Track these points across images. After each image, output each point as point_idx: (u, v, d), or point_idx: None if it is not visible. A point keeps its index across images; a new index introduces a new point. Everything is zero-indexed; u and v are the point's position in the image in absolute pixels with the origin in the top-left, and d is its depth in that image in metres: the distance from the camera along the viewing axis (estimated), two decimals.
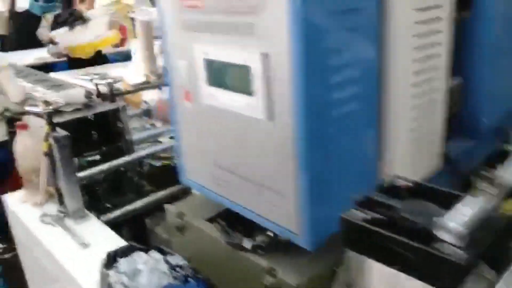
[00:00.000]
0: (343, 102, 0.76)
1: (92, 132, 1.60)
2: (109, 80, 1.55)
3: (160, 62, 3.33)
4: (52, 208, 1.38)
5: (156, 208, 1.57)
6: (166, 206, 1.02)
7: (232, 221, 0.91)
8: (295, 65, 0.69)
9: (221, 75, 0.83)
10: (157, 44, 3.31)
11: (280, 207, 0.79)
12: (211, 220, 0.94)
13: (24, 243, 1.53)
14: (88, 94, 1.51)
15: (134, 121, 1.76)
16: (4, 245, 2.78)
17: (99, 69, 3.45)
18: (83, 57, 3.57)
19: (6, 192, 2.64)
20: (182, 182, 1.04)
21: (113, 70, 3.34)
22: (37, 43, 4.40)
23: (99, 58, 4.02)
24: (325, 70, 0.72)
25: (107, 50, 4.24)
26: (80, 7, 3.68)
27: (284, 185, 0.78)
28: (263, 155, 0.80)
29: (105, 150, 1.59)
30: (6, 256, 2.57)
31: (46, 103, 1.26)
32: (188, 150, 1.01)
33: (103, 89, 1.58)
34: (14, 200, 1.51)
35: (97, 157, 1.58)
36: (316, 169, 0.74)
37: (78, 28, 3.57)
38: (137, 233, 1.59)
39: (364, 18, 0.76)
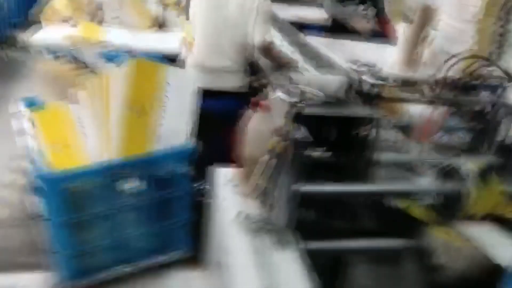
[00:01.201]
0: None
1: (327, 130, 1.27)
2: (380, 81, 1.17)
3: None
4: (255, 209, 1.13)
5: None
6: None
7: None
8: None
9: None
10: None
11: None
12: None
13: (215, 216, 1.34)
14: (348, 90, 1.17)
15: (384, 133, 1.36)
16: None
17: (353, 46, 3.12)
18: None
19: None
20: None
21: (368, 53, 2.98)
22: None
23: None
24: None
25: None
26: None
27: None
28: None
29: (336, 160, 1.25)
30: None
31: (302, 94, 0.96)
32: None
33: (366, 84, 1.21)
34: (226, 175, 1.32)
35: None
36: None
37: None
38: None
39: None
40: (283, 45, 3.01)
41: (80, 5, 2.82)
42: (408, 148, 1.34)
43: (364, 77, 1.17)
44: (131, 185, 1.79)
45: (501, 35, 2.54)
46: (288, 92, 0.99)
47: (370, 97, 1.20)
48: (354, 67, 1.23)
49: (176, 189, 1.90)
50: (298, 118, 0.98)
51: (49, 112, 1.84)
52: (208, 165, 2.40)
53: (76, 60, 2.15)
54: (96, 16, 2.87)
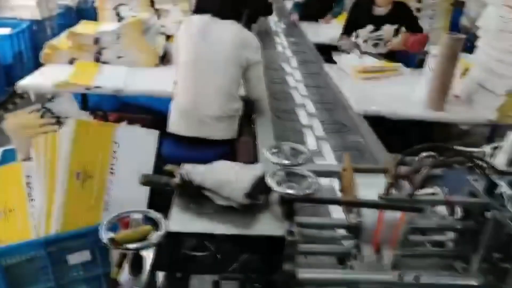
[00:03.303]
0: None
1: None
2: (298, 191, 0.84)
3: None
4: None
5: None
6: None
7: None
8: None
9: None
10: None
11: None
12: None
13: None
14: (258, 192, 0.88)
15: None
16: None
17: None
18: None
19: None
20: None
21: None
22: None
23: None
24: None
25: None
26: None
27: None
28: None
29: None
30: None
31: None
32: None
33: None
34: None
35: None
36: None
37: None
38: None
39: None
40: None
41: (83, 45, 2.74)
42: None
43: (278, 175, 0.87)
44: (78, 258, 1.62)
45: None
46: None
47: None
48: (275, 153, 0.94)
49: None
50: None
51: (2, 172, 1.73)
52: None
53: (48, 112, 2.04)
54: (100, 55, 2.78)
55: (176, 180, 0.96)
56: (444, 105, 2.28)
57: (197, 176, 0.94)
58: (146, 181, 0.99)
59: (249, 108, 2.30)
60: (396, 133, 2.21)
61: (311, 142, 1.91)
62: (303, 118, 2.13)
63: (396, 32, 2.89)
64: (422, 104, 2.31)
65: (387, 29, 2.86)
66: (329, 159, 1.77)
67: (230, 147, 2.21)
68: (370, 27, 2.89)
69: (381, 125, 2.16)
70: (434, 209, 1.15)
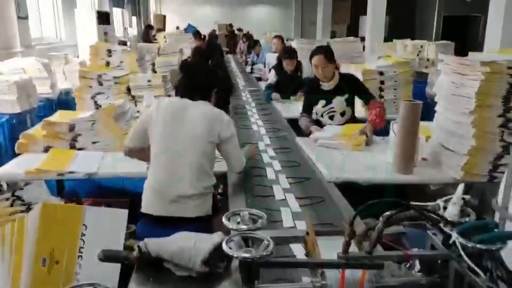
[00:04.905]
0: None
1: None
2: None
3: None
4: None
5: None
6: None
7: None
8: None
9: None
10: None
11: None
12: None
13: None
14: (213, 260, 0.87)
15: None
16: None
17: None
18: None
19: None
20: None
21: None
22: None
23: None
24: None
25: None
26: None
27: None
28: None
29: None
30: None
31: None
32: None
33: None
34: None
35: None
36: None
37: None
38: None
39: None
40: None
41: (58, 133, 2.79)
42: None
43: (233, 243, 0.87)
44: None
45: (503, 125, 2.15)
46: None
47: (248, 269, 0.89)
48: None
49: None
50: None
51: None
52: None
53: (19, 200, 2.03)
54: (76, 142, 2.82)
55: (135, 253, 0.96)
56: (412, 168, 2.34)
57: (154, 246, 0.94)
58: (104, 256, 0.98)
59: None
60: (374, 197, 2.25)
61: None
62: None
63: (348, 102, 3.10)
64: (392, 169, 2.37)
65: (337, 101, 3.09)
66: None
67: (205, 226, 2.19)
68: (322, 102, 3.11)
69: (358, 190, 2.21)
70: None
